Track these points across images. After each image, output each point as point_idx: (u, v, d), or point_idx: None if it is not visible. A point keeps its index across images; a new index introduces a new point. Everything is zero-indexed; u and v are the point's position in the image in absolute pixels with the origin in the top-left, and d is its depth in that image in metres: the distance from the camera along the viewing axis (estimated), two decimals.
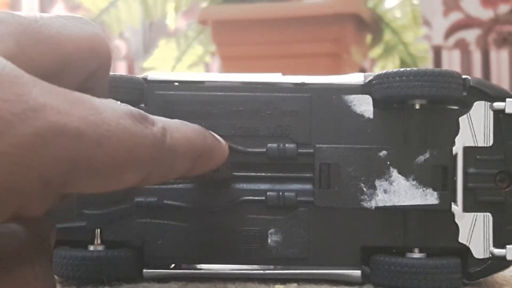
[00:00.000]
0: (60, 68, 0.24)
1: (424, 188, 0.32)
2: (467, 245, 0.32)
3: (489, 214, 0.32)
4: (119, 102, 0.22)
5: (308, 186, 0.33)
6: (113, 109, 0.21)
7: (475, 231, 0.32)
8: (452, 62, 1.46)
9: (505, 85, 1.32)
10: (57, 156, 0.19)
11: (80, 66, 0.25)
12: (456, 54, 1.46)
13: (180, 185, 0.33)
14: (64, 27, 0.24)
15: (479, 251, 0.32)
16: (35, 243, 0.23)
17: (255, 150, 0.33)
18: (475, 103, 0.32)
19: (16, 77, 0.19)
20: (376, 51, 1.12)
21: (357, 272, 0.33)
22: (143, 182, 0.23)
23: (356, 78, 0.33)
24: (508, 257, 0.32)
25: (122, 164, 0.21)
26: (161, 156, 0.22)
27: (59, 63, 0.24)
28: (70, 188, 0.20)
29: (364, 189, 0.32)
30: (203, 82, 0.34)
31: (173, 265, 0.34)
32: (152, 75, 0.34)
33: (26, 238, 0.23)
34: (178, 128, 0.24)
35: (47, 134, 0.19)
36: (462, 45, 1.46)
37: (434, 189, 0.32)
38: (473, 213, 0.32)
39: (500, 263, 0.32)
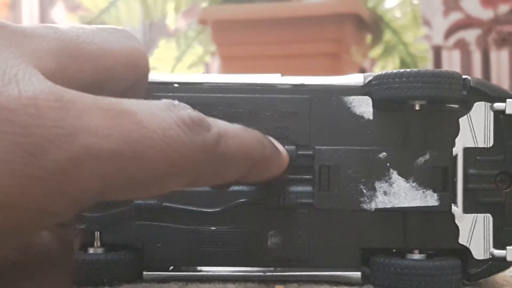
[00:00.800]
0: (99, 83, 0.24)
1: (424, 190, 0.32)
2: (467, 246, 0.32)
3: (489, 215, 0.32)
4: (176, 102, 0.22)
5: (308, 188, 0.33)
6: (161, 120, 0.21)
7: (475, 232, 0.32)
8: (452, 62, 1.46)
9: (505, 85, 1.32)
10: (91, 179, 0.19)
11: (120, 80, 0.25)
12: (456, 54, 1.46)
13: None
14: (106, 42, 0.24)
15: (479, 252, 0.32)
16: (59, 246, 0.23)
17: None
18: (475, 104, 0.32)
19: (54, 101, 0.19)
20: (376, 51, 1.12)
21: (357, 274, 0.33)
22: (187, 186, 0.23)
23: (355, 79, 0.33)
24: (508, 258, 0.32)
25: (164, 175, 0.21)
26: (210, 163, 0.22)
27: (99, 78, 0.24)
28: (104, 199, 0.20)
29: (364, 191, 0.32)
30: (202, 83, 0.34)
31: (172, 267, 0.34)
32: (151, 77, 0.33)
33: (51, 243, 0.23)
34: (236, 135, 0.24)
35: (81, 159, 0.19)
36: (462, 45, 1.46)
37: (434, 191, 0.32)
38: (473, 214, 0.32)
39: (500, 264, 0.32)
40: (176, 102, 0.22)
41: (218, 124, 0.23)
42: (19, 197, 0.18)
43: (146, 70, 0.26)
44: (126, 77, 0.25)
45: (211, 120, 0.23)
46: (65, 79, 0.21)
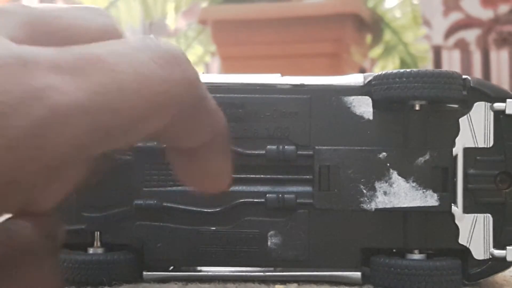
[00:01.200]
0: None
1: (424, 190, 0.32)
2: (467, 246, 0.32)
3: (489, 215, 0.32)
4: (152, 36, 0.21)
5: (308, 188, 0.33)
6: (134, 59, 0.20)
7: (475, 232, 0.32)
8: (452, 62, 1.46)
9: (505, 85, 1.32)
10: (63, 141, 0.18)
11: None
12: (456, 54, 1.46)
13: (180, 188, 0.33)
14: (76, 18, 0.23)
15: (479, 252, 0.32)
16: (42, 240, 0.23)
17: (254, 152, 0.33)
18: (475, 104, 0.32)
19: (16, 64, 0.18)
20: (376, 51, 1.12)
21: (357, 274, 0.33)
22: (169, 129, 0.21)
23: (355, 79, 0.33)
24: (508, 258, 0.32)
25: (143, 118, 0.20)
26: (190, 102, 0.22)
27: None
28: (82, 158, 0.19)
29: (364, 191, 0.32)
30: None
31: (172, 267, 0.34)
32: None
33: (33, 235, 0.22)
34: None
35: (48, 121, 0.18)
36: (462, 45, 1.46)
37: (434, 191, 0.32)
38: (473, 214, 0.32)
39: (500, 264, 0.32)
40: (152, 36, 0.22)
41: (190, 66, 0.22)
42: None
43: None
44: None
45: (185, 61, 0.22)
46: (35, 40, 0.20)
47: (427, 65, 1.14)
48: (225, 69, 1.11)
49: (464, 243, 0.32)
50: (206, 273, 0.33)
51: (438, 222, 0.32)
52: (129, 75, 0.19)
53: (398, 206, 0.32)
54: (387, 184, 0.32)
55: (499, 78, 1.42)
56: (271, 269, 0.33)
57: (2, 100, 0.17)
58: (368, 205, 0.32)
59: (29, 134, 0.17)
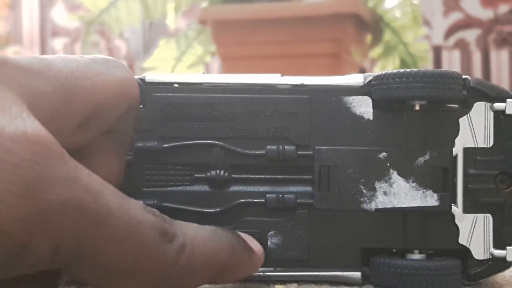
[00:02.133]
0: (92, 115, 0.25)
1: (424, 190, 0.32)
2: (467, 246, 0.32)
3: (489, 215, 0.32)
4: (148, 208, 0.23)
5: (308, 188, 0.33)
6: (138, 214, 0.22)
7: (475, 232, 0.32)
8: (452, 62, 1.46)
9: (505, 85, 1.32)
10: (71, 230, 0.20)
11: (112, 110, 0.26)
12: (456, 54, 1.46)
13: (180, 188, 0.33)
14: (99, 75, 0.25)
15: (479, 252, 0.32)
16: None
17: (254, 152, 0.33)
18: (475, 104, 0.32)
19: (55, 145, 0.20)
20: (376, 51, 1.12)
21: (357, 274, 0.33)
22: None
23: (355, 79, 0.33)
24: (508, 258, 0.32)
25: (128, 269, 0.22)
26: (171, 274, 0.23)
27: (90, 114, 0.24)
28: (77, 270, 0.21)
29: (364, 191, 0.32)
30: (202, 83, 0.33)
31: None
32: (150, 77, 0.33)
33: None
34: (203, 243, 0.25)
35: (67, 207, 0.20)
36: (462, 45, 1.46)
37: (434, 191, 0.32)
38: (473, 214, 0.32)
39: (500, 264, 0.32)
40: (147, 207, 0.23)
41: (185, 232, 0.24)
42: (8, 227, 0.19)
43: (136, 99, 0.28)
44: (118, 107, 0.26)
45: (180, 227, 0.24)
46: (59, 122, 0.23)
47: (427, 65, 1.14)
48: (225, 69, 1.11)
49: (464, 243, 0.32)
50: None
51: (438, 222, 0.32)
52: (130, 227, 0.22)
53: (398, 206, 0.32)
54: (387, 184, 0.32)
55: (499, 78, 1.42)
56: (271, 269, 0.33)
57: (40, 170, 0.20)
58: (368, 205, 0.32)
59: (52, 210, 0.20)
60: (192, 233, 0.24)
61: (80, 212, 0.20)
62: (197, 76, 0.34)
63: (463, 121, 0.32)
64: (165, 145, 0.33)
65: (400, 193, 0.32)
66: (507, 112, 0.32)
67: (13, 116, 0.20)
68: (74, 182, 0.20)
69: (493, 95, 0.32)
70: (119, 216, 0.21)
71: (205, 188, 0.33)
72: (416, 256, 0.32)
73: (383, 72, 0.32)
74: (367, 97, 0.33)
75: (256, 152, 0.33)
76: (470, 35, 1.46)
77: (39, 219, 0.19)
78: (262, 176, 0.33)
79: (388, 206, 0.32)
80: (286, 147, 0.33)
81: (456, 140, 0.32)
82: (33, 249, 0.19)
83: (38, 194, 0.19)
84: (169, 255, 0.23)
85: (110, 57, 0.27)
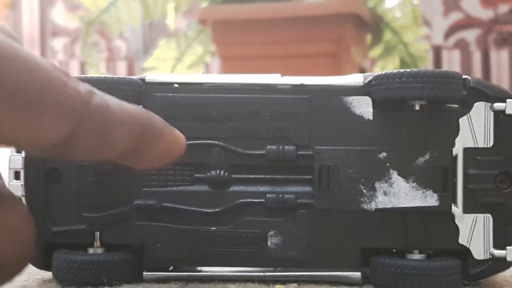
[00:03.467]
0: None
1: (424, 190, 0.32)
2: (467, 246, 0.32)
3: (489, 215, 0.32)
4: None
5: (308, 188, 0.33)
6: (33, 54, 0.21)
7: (475, 232, 0.32)
8: (452, 62, 1.46)
9: (505, 85, 1.32)
10: None
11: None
12: (456, 54, 1.46)
13: (179, 188, 0.33)
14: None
15: (479, 252, 0.32)
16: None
17: (254, 152, 0.33)
18: (475, 104, 0.32)
19: None
20: (376, 51, 1.12)
21: (357, 274, 0.33)
22: (71, 146, 0.22)
23: (355, 79, 0.33)
24: (508, 258, 0.32)
25: (38, 101, 0.20)
26: (88, 111, 0.22)
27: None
28: None
29: (364, 191, 0.32)
30: (201, 83, 0.34)
31: (172, 267, 0.34)
32: (150, 77, 0.33)
33: None
34: (114, 99, 0.23)
35: None
36: (462, 45, 1.46)
37: (434, 191, 0.32)
38: (473, 214, 0.32)
39: (500, 264, 0.32)
40: None
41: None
42: None
43: None
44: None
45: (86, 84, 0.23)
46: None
47: (427, 65, 1.14)
48: (225, 69, 1.11)
49: (464, 243, 0.32)
50: (206, 273, 0.33)
51: (438, 222, 0.32)
52: (30, 61, 0.21)
53: (398, 206, 0.32)
54: (387, 184, 0.32)
55: (499, 78, 1.42)
56: (271, 269, 0.33)
57: None
58: (368, 205, 0.32)
59: None
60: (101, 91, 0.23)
61: None
62: (197, 76, 0.34)
63: (463, 121, 0.32)
64: None
65: (400, 193, 0.32)
66: (507, 112, 0.32)
67: None
68: None
69: (493, 95, 0.32)
70: (6, 43, 0.20)
71: (205, 188, 0.33)
72: (416, 256, 0.32)
73: (383, 72, 0.32)
74: (367, 97, 0.33)
75: (256, 152, 0.33)
76: (470, 35, 1.46)
77: None
78: (262, 176, 0.33)
79: (388, 206, 0.32)
80: (286, 147, 0.33)
81: (456, 140, 0.32)
82: None
83: None
84: (81, 92, 0.22)
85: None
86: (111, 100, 0.23)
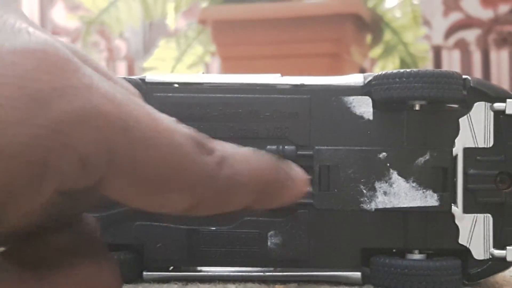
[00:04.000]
0: None
1: (424, 190, 0.32)
2: (467, 246, 0.32)
3: (489, 215, 0.32)
4: (183, 125, 0.22)
5: (308, 188, 0.33)
6: (170, 124, 0.21)
7: (475, 232, 0.32)
8: (452, 62, 1.46)
9: (505, 85, 1.32)
10: (96, 138, 0.18)
11: None
12: (456, 54, 1.46)
13: None
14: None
15: (479, 252, 0.32)
16: (89, 241, 0.23)
17: None
18: (475, 104, 0.32)
19: (64, 55, 0.19)
20: (376, 51, 1.12)
21: (357, 274, 0.33)
22: (194, 210, 0.22)
23: (355, 79, 0.33)
24: (508, 258, 0.32)
25: (166, 180, 0.20)
26: (213, 186, 0.21)
27: None
28: (110, 185, 0.19)
29: (364, 191, 0.32)
30: (201, 83, 0.34)
31: (172, 267, 0.34)
32: (150, 77, 0.33)
33: (79, 234, 0.22)
34: (244, 159, 0.23)
35: (87, 114, 0.18)
36: (462, 45, 1.46)
37: (434, 191, 0.32)
38: (473, 214, 0.32)
39: (500, 264, 0.32)
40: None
41: (225, 147, 0.22)
42: (21, 148, 0.17)
43: None
44: None
45: (217, 143, 0.22)
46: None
47: (427, 65, 1.14)
48: (225, 69, 1.11)
49: (464, 243, 0.32)
50: (206, 273, 0.33)
51: (438, 222, 0.32)
52: (165, 131, 0.21)
53: (398, 206, 0.32)
54: (387, 184, 0.32)
55: (499, 78, 1.42)
56: (271, 269, 0.33)
57: (48, 80, 0.18)
58: (368, 205, 0.32)
59: (69, 120, 0.18)
60: (232, 148, 0.23)
61: (103, 120, 0.18)
62: (197, 76, 0.34)
63: (463, 121, 0.32)
64: None
65: (400, 193, 0.32)
66: (507, 112, 0.32)
67: (16, 30, 0.18)
68: (89, 89, 0.18)
69: (493, 95, 0.32)
70: (149, 124, 0.20)
71: None
72: (416, 256, 0.32)
73: (383, 72, 0.32)
74: (367, 97, 0.33)
75: None
76: (470, 35, 1.46)
77: (54, 132, 0.17)
78: None
79: (388, 206, 0.32)
80: (286, 147, 0.33)
81: (456, 140, 0.32)
82: (55, 165, 0.18)
83: (48, 106, 0.17)
84: (209, 165, 0.21)
85: None
86: (239, 163, 0.22)
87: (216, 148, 0.22)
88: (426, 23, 1.43)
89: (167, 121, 0.21)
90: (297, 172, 0.25)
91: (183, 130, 0.21)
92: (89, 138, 0.18)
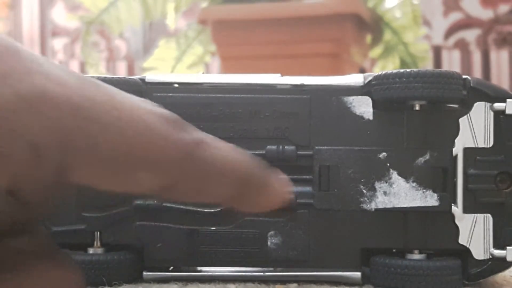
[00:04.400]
0: None
1: (424, 190, 0.32)
2: (467, 246, 0.32)
3: (489, 215, 0.32)
4: (157, 106, 0.21)
5: (308, 188, 0.33)
6: (138, 104, 0.20)
7: (475, 232, 0.32)
8: (452, 62, 1.46)
9: (505, 85, 1.32)
10: (45, 124, 0.18)
11: None
12: (456, 54, 1.46)
13: None
14: None
15: (479, 252, 0.32)
16: (49, 245, 0.22)
17: (254, 152, 0.33)
18: (476, 104, 0.32)
19: (2, 43, 0.18)
20: (376, 51, 1.12)
21: (357, 274, 0.33)
22: (168, 192, 0.21)
23: (355, 79, 0.33)
24: (508, 258, 0.32)
25: (133, 159, 0.19)
26: (189, 166, 0.21)
27: None
28: (71, 172, 0.19)
29: (364, 191, 0.32)
30: (201, 83, 0.34)
31: (172, 267, 0.34)
32: (150, 77, 0.33)
33: (39, 238, 0.22)
34: (223, 148, 0.22)
35: (33, 99, 0.17)
36: (462, 45, 1.46)
37: (434, 191, 0.32)
38: (473, 214, 0.32)
39: (500, 264, 0.32)
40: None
41: (204, 134, 0.22)
42: None
43: None
44: None
45: (198, 130, 0.22)
46: None
47: (427, 65, 1.14)
48: (225, 69, 1.11)
49: (464, 243, 0.32)
50: (206, 273, 0.33)
51: (438, 222, 0.32)
52: (129, 111, 0.20)
53: (398, 206, 0.32)
54: (387, 184, 0.32)
55: (499, 78, 1.42)
56: (271, 269, 0.33)
57: None
58: (368, 205, 0.32)
59: (12, 105, 0.17)
60: (212, 137, 0.22)
61: (51, 103, 0.18)
62: (197, 76, 0.34)
63: (463, 121, 0.32)
64: None
65: (400, 193, 0.32)
66: (507, 112, 0.32)
67: None
68: (31, 73, 0.18)
69: (493, 95, 0.32)
70: (107, 104, 0.19)
71: None
72: (416, 256, 0.32)
73: (383, 72, 0.32)
74: (367, 97, 0.33)
75: (256, 152, 0.33)
76: (470, 35, 1.46)
77: None
78: None
79: (388, 206, 0.32)
80: (286, 147, 0.33)
81: (456, 140, 0.32)
82: (4, 154, 0.17)
83: None
84: (185, 141, 0.20)
85: None
86: (219, 150, 0.22)
87: (195, 131, 0.21)
88: (426, 23, 1.43)
89: (134, 100, 0.20)
90: (282, 179, 0.24)
91: (154, 109, 0.20)
92: (38, 123, 0.18)
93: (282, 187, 0.24)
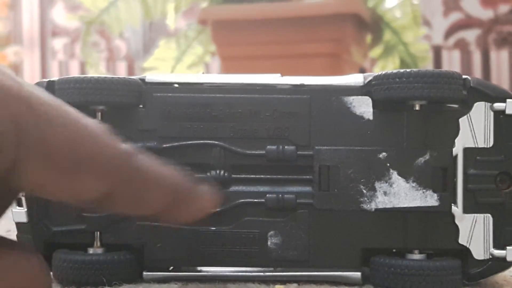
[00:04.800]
0: None
1: (424, 190, 0.32)
2: (467, 246, 0.32)
3: (489, 215, 0.32)
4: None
5: (308, 188, 0.33)
6: (80, 113, 0.21)
7: (475, 232, 0.32)
8: (452, 62, 1.46)
9: (505, 85, 1.32)
10: (2, 112, 0.18)
11: None
12: (456, 54, 1.46)
13: None
14: None
15: (479, 252, 0.32)
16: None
17: (254, 152, 0.33)
18: (476, 104, 0.32)
19: None
20: (376, 51, 1.12)
21: (357, 274, 0.33)
22: (107, 200, 0.22)
23: (355, 79, 0.33)
24: (508, 258, 0.32)
25: (79, 162, 0.20)
26: (126, 174, 0.22)
27: None
28: (22, 166, 0.19)
29: (364, 191, 0.32)
30: (201, 83, 0.34)
31: (172, 267, 0.34)
32: (150, 77, 0.33)
33: None
34: (152, 160, 0.23)
35: None
36: (462, 45, 1.46)
37: (434, 191, 0.32)
38: (473, 214, 0.32)
39: (500, 264, 0.32)
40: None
41: (131, 146, 0.23)
42: None
43: None
44: None
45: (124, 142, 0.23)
46: None
47: (427, 65, 1.14)
48: (225, 69, 1.11)
49: (464, 243, 0.32)
50: (206, 273, 0.33)
51: (438, 222, 0.32)
52: (76, 120, 0.21)
53: (398, 206, 0.32)
54: (387, 184, 0.32)
55: (499, 78, 1.42)
56: (271, 269, 0.33)
57: None
58: (368, 205, 0.32)
59: None
60: (141, 150, 0.23)
61: (5, 93, 0.18)
62: (197, 76, 0.34)
63: (463, 121, 0.32)
64: (165, 145, 0.33)
65: (400, 193, 0.32)
66: (507, 112, 0.32)
67: None
68: None
69: (493, 95, 0.32)
70: (53, 105, 0.20)
71: None
72: (416, 256, 0.32)
73: (383, 72, 0.32)
74: (367, 97, 0.33)
75: (256, 152, 0.33)
76: (470, 35, 1.46)
77: None
78: (262, 176, 0.33)
79: (388, 206, 0.32)
80: (286, 147, 0.33)
81: (456, 140, 0.32)
82: None
83: None
84: (122, 150, 0.22)
85: None
86: (150, 163, 0.23)
87: (127, 144, 0.22)
88: (426, 23, 1.43)
89: (76, 110, 0.21)
90: (206, 189, 0.25)
91: (93, 120, 0.22)
92: None
93: (208, 196, 0.25)
